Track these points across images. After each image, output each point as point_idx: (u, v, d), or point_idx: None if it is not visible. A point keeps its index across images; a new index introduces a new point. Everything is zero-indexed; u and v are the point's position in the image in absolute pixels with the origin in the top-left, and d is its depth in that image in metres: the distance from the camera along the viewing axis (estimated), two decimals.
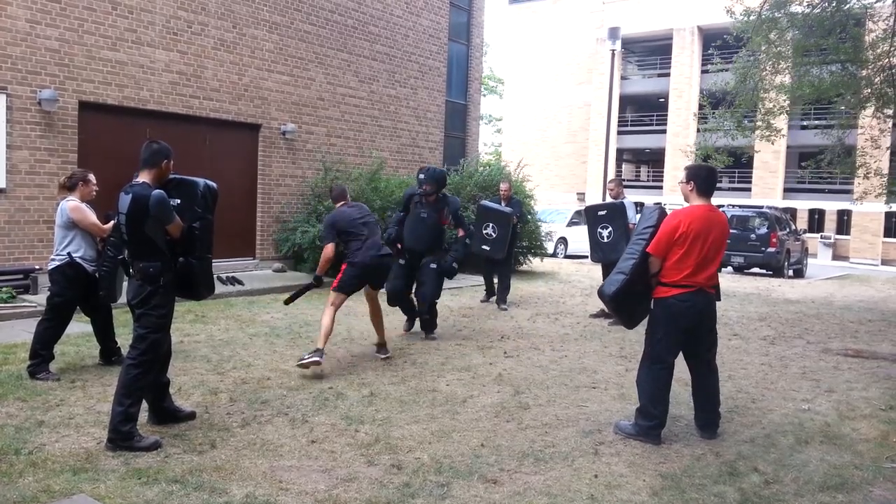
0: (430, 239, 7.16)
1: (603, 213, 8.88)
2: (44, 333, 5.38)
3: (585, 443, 4.34)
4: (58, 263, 5.40)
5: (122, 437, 3.89)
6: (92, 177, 5.62)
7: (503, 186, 10.15)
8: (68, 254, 5.37)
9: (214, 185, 4.40)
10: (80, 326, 6.43)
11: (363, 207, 6.41)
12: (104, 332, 5.73)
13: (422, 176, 7.13)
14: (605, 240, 8.71)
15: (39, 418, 4.38)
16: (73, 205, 5.39)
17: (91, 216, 5.47)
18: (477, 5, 17.29)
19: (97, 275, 5.45)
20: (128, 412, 3.93)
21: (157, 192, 4.00)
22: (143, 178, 4.11)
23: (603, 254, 8.80)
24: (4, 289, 8.07)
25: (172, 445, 4.02)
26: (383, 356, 6.37)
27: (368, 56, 13.87)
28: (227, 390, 5.16)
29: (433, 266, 7.11)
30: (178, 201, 4.19)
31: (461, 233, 7.43)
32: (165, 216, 4.01)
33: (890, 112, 11.73)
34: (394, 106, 14.58)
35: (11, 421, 4.32)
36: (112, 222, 5.37)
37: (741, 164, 22.45)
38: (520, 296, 11.00)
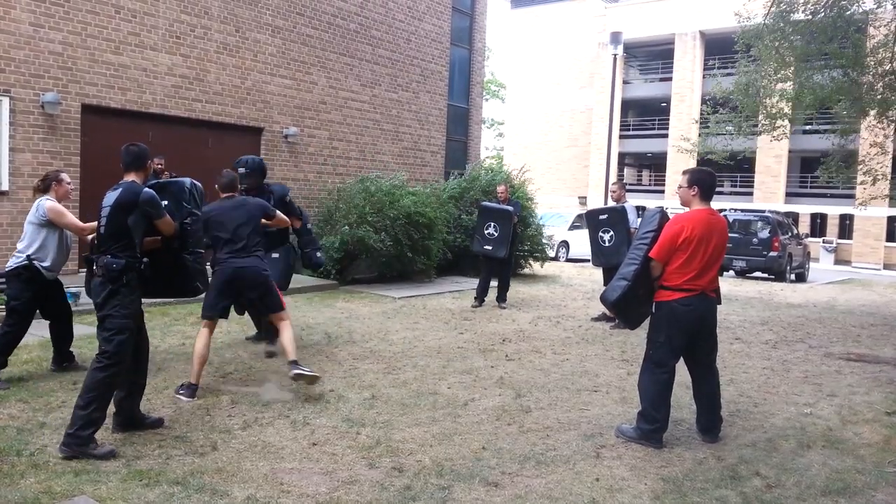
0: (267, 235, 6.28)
1: (604, 217, 8.89)
2: (2, 338, 5.22)
3: (587, 446, 4.34)
4: (14, 266, 5.25)
5: (79, 441, 3.76)
6: (65, 176, 5.50)
7: (500, 188, 10.37)
8: (27, 256, 5.23)
9: (199, 183, 4.57)
10: (81, 328, 6.43)
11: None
12: (62, 336, 5.61)
13: (242, 170, 6.28)
14: (607, 244, 8.71)
15: (41, 420, 4.38)
16: (50, 204, 5.26)
17: (69, 216, 5.37)
18: (479, 10, 17.33)
19: (59, 279, 5.46)
20: (91, 417, 3.81)
21: (147, 190, 4.14)
22: (133, 178, 4.22)
23: (604, 258, 8.80)
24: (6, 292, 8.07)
25: (174, 447, 4.02)
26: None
27: (371, 60, 13.90)
28: (228, 392, 5.16)
29: (276, 255, 6.37)
30: (166, 202, 4.31)
31: (297, 223, 6.57)
32: (155, 211, 4.11)
33: (893, 117, 11.69)
34: (396, 110, 14.61)
35: (13, 422, 4.32)
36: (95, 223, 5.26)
37: (743, 168, 22.44)
38: (521, 299, 11.00)
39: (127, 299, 4.02)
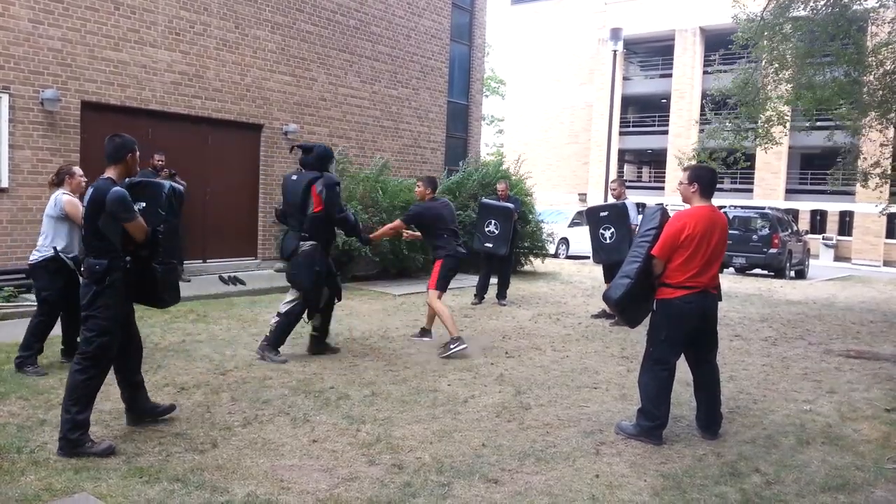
0: None
1: (605, 214, 8.87)
2: (37, 327, 5.47)
3: (587, 443, 4.34)
4: (40, 258, 5.45)
5: (71, 444, 3.78)
6: (77, 169, 5.71)
7: (500, 186, 10.32)
8: (53, 248, 5.43)
9: (181, 187, 4.31)
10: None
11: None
12: (73, 326, 5.71)
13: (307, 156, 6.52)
14: (608, 241, 8.70)
15: (41, 417, 4.39)
16: (68, 198, 5.48)
17: (81, 211, 5.48)
18: (479, 6, 17.30)
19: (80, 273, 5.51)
20: (75, 420, 3.80)
21: (117, 188, 3.89)
22: (109, 173, 4.01)
23: (605, 255, 8.80)
24: (6, 288, 8.09)
25: (174, 444, 4.02)
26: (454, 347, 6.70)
27: (370, 56, 13.88)
28: (228, 389, 5.16)
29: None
30: (144, 204, 4.07)
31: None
32: (121, 214, 3.86)
33: (893, 119, 11.64)
34: (396, 106, 14.59)
35: (13, 419, 4.33)
36: None
37: (743, 164, 22.38)
38: (521, 296, 11.00)
39: (112, 300, 3.93)
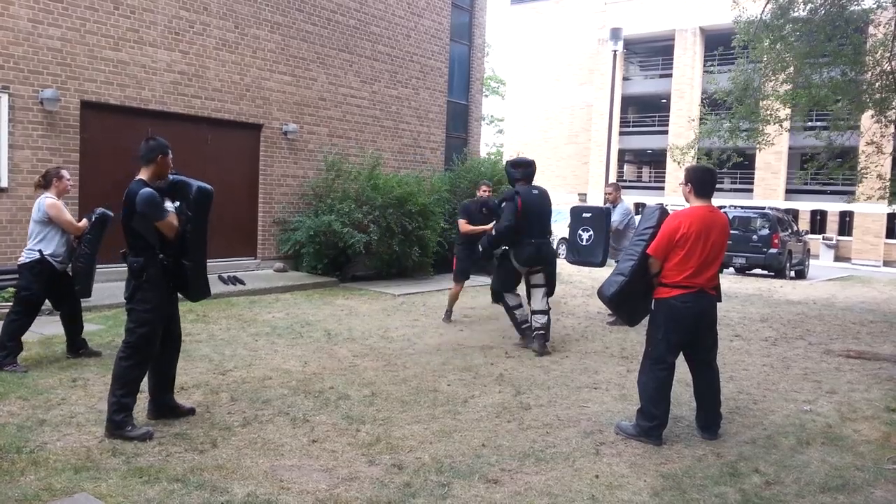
0: None
1: (587, 215, 8.81)
2: (10, 325, 5.53)
3: (586, 443, 4.34)
4: (27, 260, 5.57)
5: (115, 425, 4.06)
6: (65, 173, 5.77)
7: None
8: (39, 251, 5.52)
9: (208, 187, 4.43)
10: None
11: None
12: (71, 324, 5.87)
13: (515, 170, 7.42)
14: (584, 242, 8.62)
15: (41, 417, 4.39)
16: (50, 202, 5.54)
17: (66, 214, 5.64)
18: (479, 6, 17.28)
19: (68, 271, 5.70)
20: (120, 402, 4.08)
21: (146, 190, 4.11)
22: (142, 174, 4.25)
23: (578, 256, 8.76)
24: (7, 288, 8.07)
25: (174, 444, 4.02)
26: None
27: (370, 56, 13.88)
28: (228, 389, 5.16)
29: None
30: (177, 203, 4.30)
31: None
32: (152, 214, 4.11)
33: (891, 116, 11.65)
34: (395, 106, 14.58)
35: (13, 419, 4.33)
36: (84, 220, 5.69)
37: (743, 165, 22.36)
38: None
39: (149, 294, 4.17)
